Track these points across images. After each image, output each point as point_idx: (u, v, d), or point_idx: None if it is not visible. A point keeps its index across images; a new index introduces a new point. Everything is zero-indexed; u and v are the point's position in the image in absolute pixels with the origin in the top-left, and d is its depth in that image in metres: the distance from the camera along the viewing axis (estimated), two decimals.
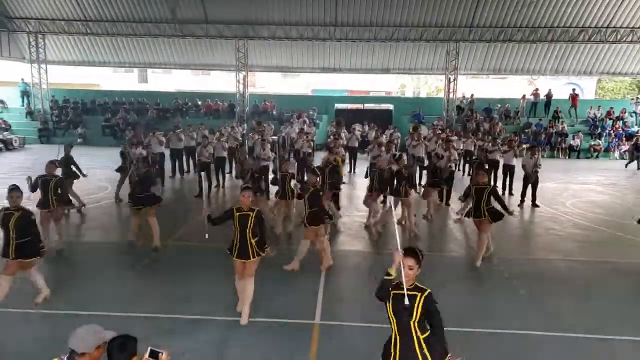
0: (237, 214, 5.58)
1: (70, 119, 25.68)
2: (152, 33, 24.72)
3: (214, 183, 13.78)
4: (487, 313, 6.18)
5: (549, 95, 25.63)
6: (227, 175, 14.83)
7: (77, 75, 34.82)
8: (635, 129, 24.57)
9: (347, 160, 18.05)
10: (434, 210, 11.12)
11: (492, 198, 7.82)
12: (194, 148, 15.34)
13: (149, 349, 2.83)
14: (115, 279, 7.09)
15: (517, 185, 13.31)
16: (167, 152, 15.13)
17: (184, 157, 15.99)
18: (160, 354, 2.81)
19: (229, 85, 28.30)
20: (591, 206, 12.60)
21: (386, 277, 3.36)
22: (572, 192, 14.46)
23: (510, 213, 8.18)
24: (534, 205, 12.30)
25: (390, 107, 28.19)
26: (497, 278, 7.55)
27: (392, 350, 3.36)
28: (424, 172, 13.10)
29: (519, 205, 12.45)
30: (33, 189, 7.81)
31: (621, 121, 24.78)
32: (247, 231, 5.56)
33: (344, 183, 11.37)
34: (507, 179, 13.96)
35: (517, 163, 13.62)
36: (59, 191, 7.95)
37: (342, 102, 29.15)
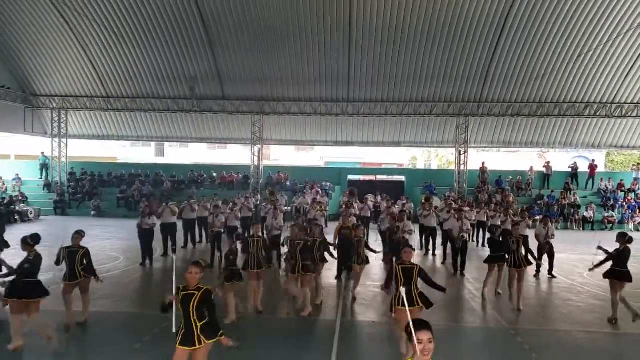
0: (182, 293, 5.02)
1: (86, 190, 26.34)
2: (171, 109, 25.98)
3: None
4: None
5: (574, 167, 26.30)
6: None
7: (96, 148, 35.92)
8: None
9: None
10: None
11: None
12: (207, 218, 15.55)
13: None
14: (124, 349, 7.01)
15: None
16: (179, 223, 15.30)
17: (197, 228, 16.15)
18: None
19: (244, 158, 29.19)
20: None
21: None
22: (588, 264, 14.14)
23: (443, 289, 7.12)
24: (551, 275, 12.11)
25: (402, 178, 28.59)
26: (518, 350, 7.33)
27: None
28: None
29: (534, 276, 12.26)
30: (57, 262, 7.70)
31: (633, 193, 24.73)
32: (191, 313, 4.94)
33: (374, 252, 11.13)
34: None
35: (530, 234, 13.54)
36: (85, 262, 7.77)
37: (354, 174, 29.68)
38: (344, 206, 18.72)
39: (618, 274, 8.67)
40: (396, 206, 18.45)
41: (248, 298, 8.73)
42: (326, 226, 15.13)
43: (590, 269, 8.85)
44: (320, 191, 23.85)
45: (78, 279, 7.69)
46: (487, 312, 9.22)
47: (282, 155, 40.95)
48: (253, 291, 8.70)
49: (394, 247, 9.89)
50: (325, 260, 9.95)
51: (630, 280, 8.56)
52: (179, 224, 15.21)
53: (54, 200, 25.46)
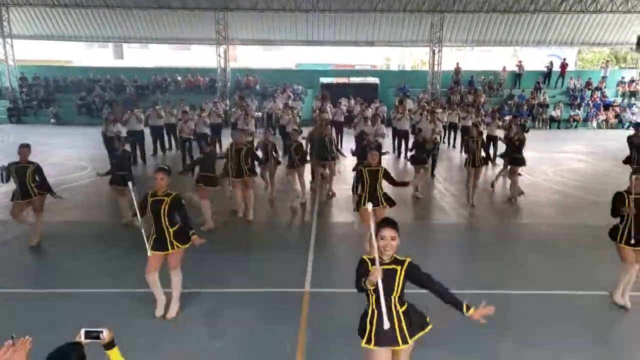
0: (151, 199, 5.00)
1: (41, 97, 24.97)
2: (126, 5, 23.98)
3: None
4: (472, 276, 6.35)
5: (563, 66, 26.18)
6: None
7: (47, 51, 33.33)
8: (613, 98, 24.94)
9: (333, 135, 18.08)
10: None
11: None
12: (175, 125, 15.13)
13: (82, 331, 2.62)
14: (98, 257, 7.03)
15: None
16: (146, 130, 14.89)
17: (165, 134, 15.74)
18: (100, 333, 2.64)
19: (210, 60, 27.78)
20: (571, 174, 12.88)
21: (362, 286, 3.17)
22: (553, 161, 14.72)
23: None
24: (517, 173, 12.48)
25: (376, 80, 28.05)
26: (483, 242, 7.74)
27: (367, 325, 3.27)
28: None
29: (502, 175, 12.63)
30: (6, 179, 7.02)
31: (599, 91, 25.10)
32: (163, 219, 4.96)
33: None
34: (490, 150, 14.09)
35: (500, 134, 13.80)
36: (37, 178, 7.10)
37: (327, 76, 28.88)
38: (317, 111, 18.48)
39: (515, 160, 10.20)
40: (370, 110, 18.29)
41: (236, 206, 8.82)
42: (300, 132, 14.90)
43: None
44: (292, 95, 23.29)
45: (31, 197, 7.06)
46: (456, 210, 9.58)
47: (250, 57, 39.20)
48: (237, 199, 8.73)
49: (363, 150, 9.91)
50: (278, 163, 10.20)
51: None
52: (147, 132, 14.80)
53: (8, 107, 24.14)
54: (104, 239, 7.76)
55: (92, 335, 2.62)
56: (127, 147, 9.16)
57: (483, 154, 9.76)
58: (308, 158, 10.30)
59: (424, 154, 10.90)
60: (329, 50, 34.06)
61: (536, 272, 6.49)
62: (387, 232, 3.18)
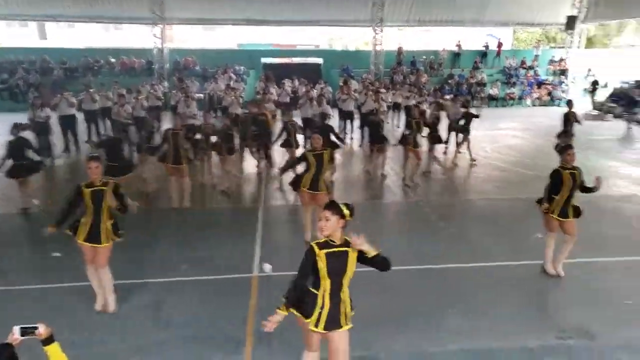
0: (89, 190, 4.70)
1: None
2: None
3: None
4: (418, 252, 6.48)
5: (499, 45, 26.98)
6: None
7: None
8: (545, 77, 26.17)
9: (278, 117, 17.85)
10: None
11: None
12: (110, 109, 14.33)
13: (16, 328, 2.54)
14: (27, 251, 6.60)
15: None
16: (79, 115, 14.01)
17: (100, 119, 14.86)
18: (35, 330, 2.56)
19: (145, 41, 26.42)
20: (508, 150, 13.42)
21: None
22: (491, 138, 15.28)
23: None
24: (458, 151, 12.86)
25: (319, 60, 27.84)
26: (427, 220, 7.92)
27: (317, 309, 3.28)
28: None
29: (444, 153, 13.00)
30: None
31: (532, 70, 26.25)
32: (103, 210, 4.73)
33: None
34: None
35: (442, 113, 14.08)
36: None
37: (269, 56, 28.36)
38: (260, 92, 18.13)
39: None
40: (314, 90, 18.17)
41: (171, 194, 8.46)
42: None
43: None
44: (233, 76, 22.71)
45: None
46: (402, 188, 9.74)
47: (189, 37, 37.75)
48: (174, 187, 8.37)
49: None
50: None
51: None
52: (80, 117, 13.94)
53: None
54: (32, 231, 7.27)
55: (27, 332, 2.53)
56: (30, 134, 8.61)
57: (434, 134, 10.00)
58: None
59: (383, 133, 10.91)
60: (271, 29, 33.41)
61: (478, 246, 6.72)
62: (322, 213, 3.23)
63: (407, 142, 9.71)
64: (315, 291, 3.30)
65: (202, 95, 19.87)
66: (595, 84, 23.14)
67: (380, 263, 3.26)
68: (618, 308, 5.01)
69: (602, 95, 22.95)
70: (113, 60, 24.95)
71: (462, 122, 11.95)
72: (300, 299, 3.33)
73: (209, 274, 5.82)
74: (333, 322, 3.29)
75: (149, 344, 4.43)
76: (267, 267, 3.40)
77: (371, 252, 3.20)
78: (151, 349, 4.37)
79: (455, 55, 26.71)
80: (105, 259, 4.82)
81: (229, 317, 4.85)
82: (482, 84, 24.97)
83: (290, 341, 4.36)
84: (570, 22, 25.24)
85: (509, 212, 8.40)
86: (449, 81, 25.14)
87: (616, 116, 20.22)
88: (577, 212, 5.58)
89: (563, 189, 5.47)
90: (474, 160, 11.71)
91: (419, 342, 4.43)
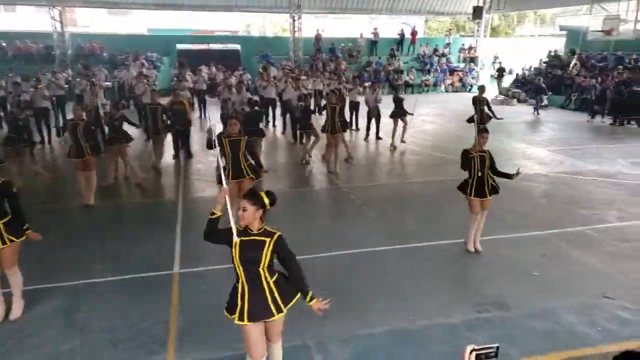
0: None
1: None
2: None
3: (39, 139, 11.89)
4: (344, 238, 6.51)
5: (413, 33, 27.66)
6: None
7: None
8: (456, 64, 27.52)
9: (195, 105, 17.20)
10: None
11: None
12: (5, 98, 12.99)
13: None
14: None
15: (362, 121, 14.07)
16: None
17: None
18: None
19: (43, 24, 24.10)
20: (423, 135, 13.94)
21: (210, 217, 3.25)
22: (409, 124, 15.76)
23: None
24: (378, 137, 13.17)
25: (238, 47, 27.17)
26: (352, 205, 7.99)
27: (239, 301, 3.20)
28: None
29: (365, 139, 13.25)
30: None
31: (445, 57, 27.48)
32: None
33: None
34: (353, 116, 14.70)
35: (361, 100, 14.33)
36: None
37: (184, 43, 27.17)
38: (175, 79, 17.34)
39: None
40: (233, 77, 17.68)
41: (80, 191, 7.83)
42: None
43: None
44: (145, 63, 21.47)
45: None
46: (324, 175, 9.77)
47: (93, 21, 35.11)
48: (80, 183, 7.76)
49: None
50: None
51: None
52: None
53: None
54: None
55: None
56: None
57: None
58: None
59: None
60: (186, 15, 32.04)
61: (401, 228, 6.90)
62: (241, 202, 3.15)
63: (326, 129, 9.76)
64: (236, 283, 3.24)
65: (110, 83, 18.59)
66: (501, 70, 24.69)
67: (296, 281, 3.27)
68: (528, 279, 5.37)
69: (507, 81, 24.58)
70: (4, 44, 22.53)
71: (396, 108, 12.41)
72: (229, 296, 3.29)
73: (126, 274, 5.45)
74: (260, 313, 3.19)
75: (59, 353, 4.05)
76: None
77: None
78: (61, 357, 4.00)
79: (373, 43, 27.25)
80: (11, 258, 4.42)
81: (150, 317, 4.57)
82: (399, 71, 25.72)
83: (215, 337, 4.21)
84: (477, 12, 26.68)
85: (427, 194, 8.72)
86: (368, 68, 25.61)
87: (520, 101, 21.77)
88: (494, 190, 5.90)
89: (473, 171, 5.76)
90: (394, 145, 12.05)
91: (347, 327, 4.44)
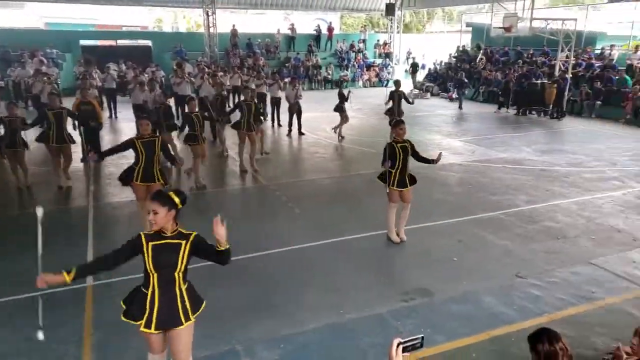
0: None
1: None
2: None
3: None
4: (272, 236, 6.38)
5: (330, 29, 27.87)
6: None
7: None
8: (372, 59, 28.23)
9: (105, 105, 16.15)
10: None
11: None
12: None
13: None
14: None
15: (284, 116, 13.97)
16: None
17: None
18: None
19: None
20: (345, 129, 14.09)
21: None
22: (331, 119, 15.90)
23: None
24: (300, 133, 13.14)
25: (149, 43, 25.90)
26: (277, 202, 7.88)
27: (147, 308, 3.00)
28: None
29: (287, 135, 13.17)
30: None
31: (361, 53, 28.10)
32: None
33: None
34: (275, 112, 14.59)
35: (282, 95, 14.23)
36: None
37: (88, 38, 25.41)
38: (80, 78, 16.16)
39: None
40: (145, 75, 16.83)
41: None
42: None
43: None
44: (44, 60, 19.79)
45: None
46: (248, 174, 9.55)
47: None
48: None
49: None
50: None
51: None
52: None
53: None
54: None
55: None
56: None
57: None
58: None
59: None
60: (89, 8, 29.95)
61: (328, 223, 6.89)
62: (150, 205, 2.96)
63: (240, 125, 9.50)
64: (144, 290, 3.02)
65: (2, 82, 16.97)
66: (415, 66, 25.68)
67: (225, 257, 3.06)
68: (448, 265, 5.58)
69: (421, 75, 25.64)
70: None
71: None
72: (131, 299, 3.09)
73: (33, 291, 4.91)
74: (169, 321, 3.04)
75: None
76: (40, 211, 3.01)
77: (224, 244, 2.98)
78: None
79: (290, 39, 27.20)
80: None
81: (62, 336, 4.17)
82: (317, 67, 25.90)
83: (133, 351, 3.92)
84: (389, 9, 27.53)
85: (351, 187, 8.81)
86: (287, 64, 25.54)
87: (434, 94, 22.79)
88: (413, 180, 6.06)
89: (397, 162, 5.87)
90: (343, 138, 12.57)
91: (277, 327, 4.34)
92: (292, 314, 4.57)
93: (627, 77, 16.33)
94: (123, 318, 3.10)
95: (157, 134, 6.27)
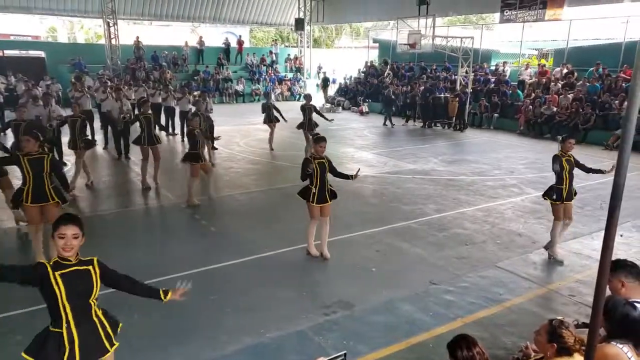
0: None
1: None
2: None
3: None
4: (182, 256, 6.06)
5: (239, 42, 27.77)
6: None
7: None
8: (284, 73, 28.44)
9: None
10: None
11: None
12: None
13: None
14: None
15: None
16: None
17: None
18: None
19: None
20: (258, 143, 14.01)
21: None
22: (244, 133, 15.74)
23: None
24: (213, 148, 12.76)
25: (42, 54, 23.95)
26: (188, 221, 7.54)
27: (66, 347, 2.71)
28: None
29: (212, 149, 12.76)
30: None
31: (273, 67, 28.21)
32: None
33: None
34: (184, 125, 14.10)
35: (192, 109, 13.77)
36: None
37: None
38: None
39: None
40: (39, 88, 15.51)
41: None
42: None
43: None
44: None
45: None
46: (157, 191, 9.08)
47: None
48: None
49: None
50: None
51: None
52: None
53: None
54: None
55: None
56: None
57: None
58: None
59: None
60: None
61: (244, 240, 6.71)
62: (69, 230, 2.70)
63: (141, 141, 9.11)
64: (56, 330, 2.71)
65: None
66: (325, 80, 26.25)
67: (144, 292, 3.07)
68: (367, 276, 5.66)
69: (332, 90, 26.24)
70: None
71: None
72: (40, 345, 2.73)
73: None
74: (94, 353, 2.81)
75: None
76: None
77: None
78: None
79: (199, 52, 26.62)
80: None
81: None
82: (228, 80, 25.54)
83: None
84: (299, 23, 28.01)
85: (267, 202, 8.70)
86: (195, 77, 24.91)
87: (345, 108, 23.39)
88: (333, 195, 6.06)
89: (315, 178, 5.82)
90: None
91: (196, 352, 4.12)
92: (212, 337, 4.36)
93: (519, 92, 17.97)
94: None
95: (47, 152, 5.73)
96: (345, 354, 2.01)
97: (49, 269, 2.65)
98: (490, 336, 4.36)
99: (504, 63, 20.19)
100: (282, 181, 9.78)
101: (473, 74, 18.92)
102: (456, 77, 18.99)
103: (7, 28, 31.47)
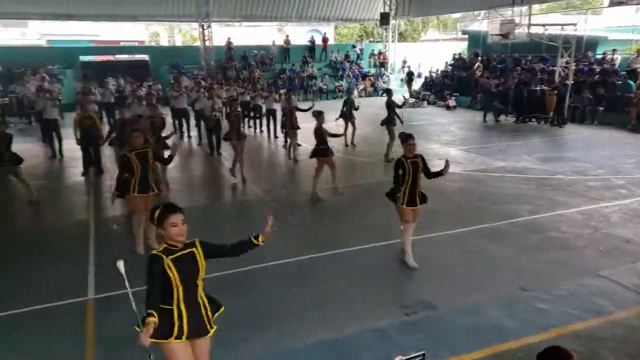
0: None
1: None
2: None
3: None
4: (270, 249, 6.23)
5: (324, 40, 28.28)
6: None
7: None
8: (368, 69, 28.28)
9: (104, 119, 16.12)
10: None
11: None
12: None
13: None
14: None
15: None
16: None
17: None
18: None
19: None
20: (341, 139, 14.01)
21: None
22: (328, 129, 15.83)
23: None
24: (297, 144, 13.06)
25: (146, 57, 25.99)
26: (276, 215, 7.75)
27: (176, 322, 2.97)
28: None
29: (283, 146, 13.11)
30: None
31: (356, 63, 28.16)
32: None
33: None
34: (271, 123, 14.62)
35: (278, 107, 14.22)
36: None
37: (88, 54, 25.52)
38: (79, 93, 16.20)
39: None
40: (143, 89, 16.84)
41: None
42: (62, 117, 12.83)
43: None
44: (47, 77, 19.83)
45: None
46: (247, 186, 9.49)
47: None
48: None
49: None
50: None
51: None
52: None
53: None
54: None
55: None
56: None
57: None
58: None
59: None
60: (89, 26, 30.16)
61: (328, 234, 6.84)
62: (179, 218, 2.95)
63: (230, 137, 9.54)
64: (167, 306, 2.96)
65: (6, 99, 17.03)
66: (410, 74, 25.72)
67: (248, 249, 3.31)
68: (452, 277, 5.48)
69: (417, 84, 25.65)
70: None
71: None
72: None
73: (31, 304, 4.87)
74: (198, 330, 3.05)
75: None
76: (121, 264, 2.92)
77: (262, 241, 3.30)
78: None
79: (285, 51, 27.30)
80: None
81: (63, 351, 4.12)
82: (313, 78, 25.94)
83: None
84: (384, 18, 27.63)
85: (349, 198, 8.69)
86: (282, 76, 25.58)
87: (430, 103, 22.79)
88: (423, 199, 5.74)
89: (407, 178, 5.53)
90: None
91: (277, 341, 4.28)
92: (292, 328, 4.50)
93: (631, 82, 15.99)
94: (153, 340, 2.88)
95: (148, 146, 6.36)
96: (424, 354, 1.97)
97: (162, 256, 2.90)
98: (588, 351, 4.03)
99: (613, 51, 18.14)
100: (364, 177, 9.78)
101: (575, 64, 17.35)
102: (554, 68, 17.63)
103: (118, 35, 34.60)
